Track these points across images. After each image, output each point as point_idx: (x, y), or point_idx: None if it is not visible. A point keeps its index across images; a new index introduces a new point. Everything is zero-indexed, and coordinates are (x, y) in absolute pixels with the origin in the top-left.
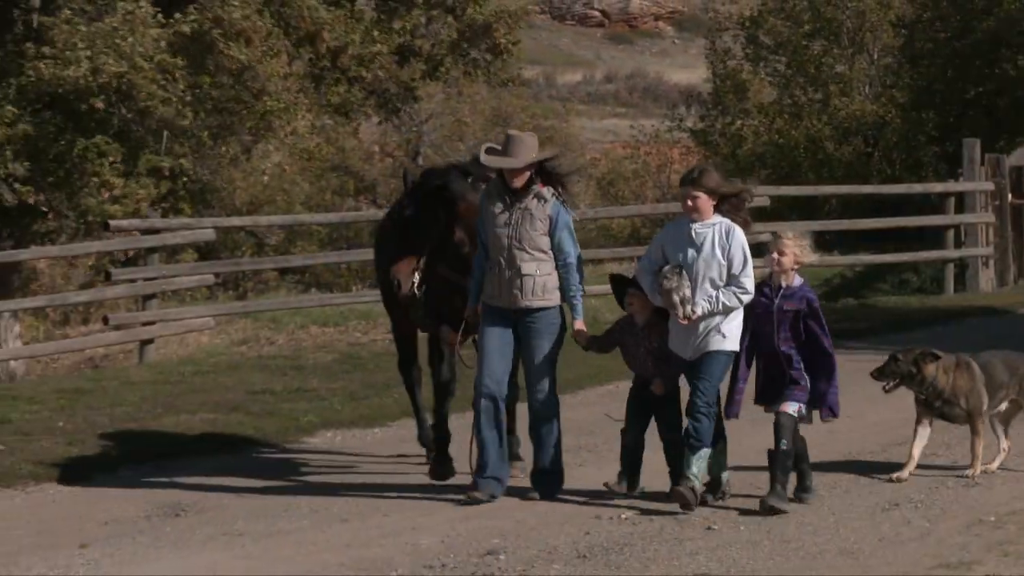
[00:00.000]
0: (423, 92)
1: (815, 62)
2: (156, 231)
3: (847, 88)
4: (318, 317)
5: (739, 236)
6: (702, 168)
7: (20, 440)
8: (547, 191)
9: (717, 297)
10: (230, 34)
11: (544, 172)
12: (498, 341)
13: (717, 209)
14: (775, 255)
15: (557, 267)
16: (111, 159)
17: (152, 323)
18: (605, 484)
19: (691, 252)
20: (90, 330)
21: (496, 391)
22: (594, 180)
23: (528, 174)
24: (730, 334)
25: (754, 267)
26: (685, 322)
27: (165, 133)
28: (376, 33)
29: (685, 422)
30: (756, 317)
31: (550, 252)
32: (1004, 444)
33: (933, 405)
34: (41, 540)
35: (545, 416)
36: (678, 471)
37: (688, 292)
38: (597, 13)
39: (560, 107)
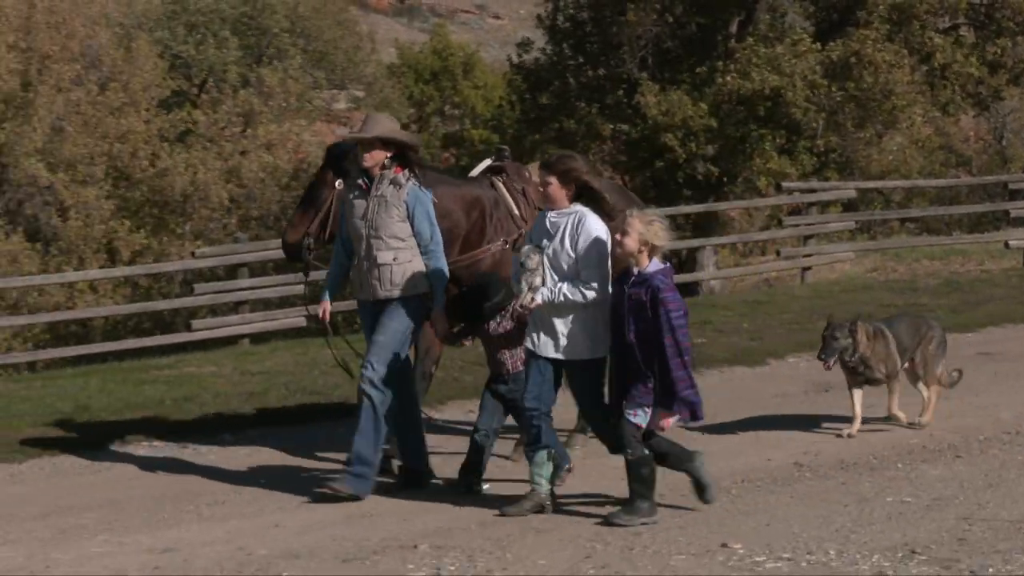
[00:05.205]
0: (1007, 93)
1: None
2: (813, 191)
3: None
4: (927, 253)
5: (591, 227)
6: (561, 154)
7: (717, 335)
8: (403, 176)
9: (560, 288)
10: (863, 63)
11: (403, 158)
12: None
13: (579, 200)
14: (618, 235)
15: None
16: (778, 141)
17: (810, 255)
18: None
19: (545, 242)
20: (766, 259)
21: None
22: None
23: (381, 157)
24: (596, 339)
25: None
26: (521, 310)
27: (821, 121)
28: (973, 58)
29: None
30: (611, 306)
31: (410, 239)
32: (927, 394)
33: (858, 371)
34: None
35: (375, 399)
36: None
37: (538, 280)
38: None
39: None
